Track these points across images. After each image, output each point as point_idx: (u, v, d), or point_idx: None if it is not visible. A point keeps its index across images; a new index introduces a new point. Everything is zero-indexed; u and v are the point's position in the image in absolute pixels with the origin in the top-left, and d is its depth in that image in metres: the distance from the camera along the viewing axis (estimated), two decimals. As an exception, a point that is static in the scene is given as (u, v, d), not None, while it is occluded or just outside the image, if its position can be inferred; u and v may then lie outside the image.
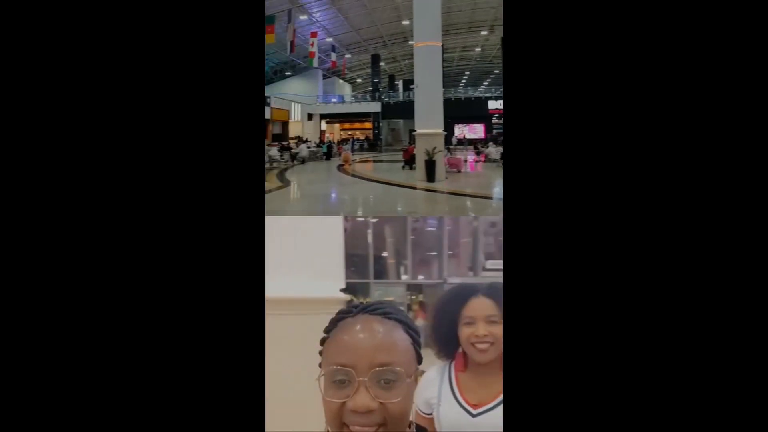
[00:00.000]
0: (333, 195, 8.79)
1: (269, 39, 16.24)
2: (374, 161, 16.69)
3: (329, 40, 23.95)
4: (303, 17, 20.87)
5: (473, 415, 1.00)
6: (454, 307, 1.02)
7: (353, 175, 11.27)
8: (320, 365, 0.58)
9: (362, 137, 26.66)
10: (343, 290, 2.92)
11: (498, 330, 0.99)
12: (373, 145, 24.77)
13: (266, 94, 23.57)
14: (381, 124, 26.73)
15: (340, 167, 13.17)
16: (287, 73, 28.89)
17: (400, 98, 26.81)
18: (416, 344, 0.61)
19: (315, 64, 21.83)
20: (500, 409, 0.99)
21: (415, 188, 8.12)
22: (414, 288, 6.01)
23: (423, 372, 0.65)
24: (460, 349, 1.03)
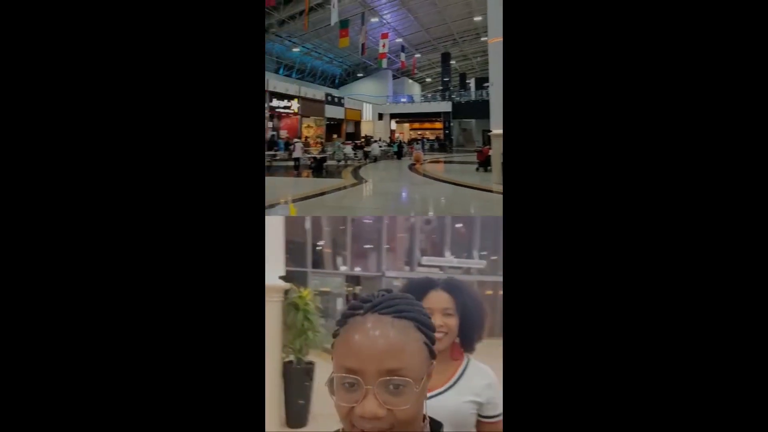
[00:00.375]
0: (405, 194, 8.81)
1: (343, 42, 16.60)
2: (445, 162, 16.54)
3: (399, 40, 24.09)
4: (374, 19, 21.15)
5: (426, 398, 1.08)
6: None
7: (425, 175, 11.24)
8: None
9: (432, 137, 26.49)
10: (282, 278, 3.02)
11: (452, 322, 1.07)
12: (443, 145, 24.55)
13: (340, 95, 24.21)
14: (452, 124, 26.42)
15: (412, 167, 13.19)
16: (359, 75, 29.45)
17: (472, 97, 26.37)
18: (430, 341, 0.59)
19: (384, 65, 22.04)
20: (449, 393, 1.07)
21: (491, 191, 7.93)
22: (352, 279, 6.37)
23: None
24: None
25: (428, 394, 1.05)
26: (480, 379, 1.10)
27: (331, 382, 0.55)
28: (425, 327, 0.58)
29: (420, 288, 1.09)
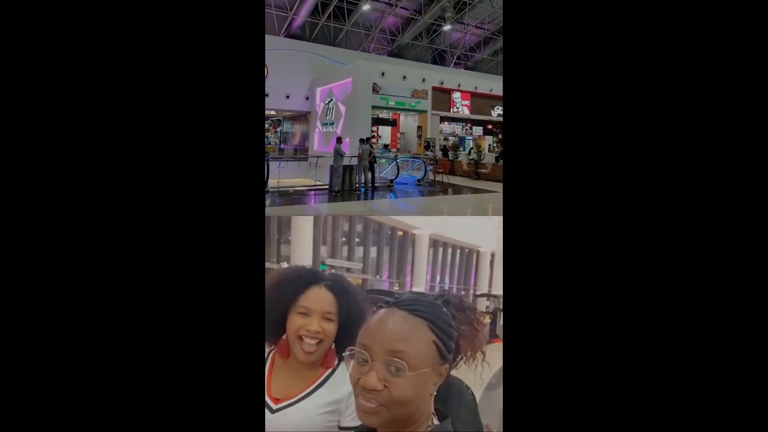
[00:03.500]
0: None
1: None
2: None
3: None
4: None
5: (273, 411, 0.92)
6: (290, 290, 0.93)
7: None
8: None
9: None
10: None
11: (331, 328, 0.92)
12: None
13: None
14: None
15: None
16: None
17: None
18: (442, 343, 0.66)
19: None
20: (299, 404, 0.91)
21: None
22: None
23: (448, 370, 0.67)
24: (285, 337, 0.94)
25: (277, 406, 0.93)
26: (349, 386, 0.89)
27: (350, 355, 0.66)
28: (438, 329, 0.66)
29: (300, 280, 0.94)
